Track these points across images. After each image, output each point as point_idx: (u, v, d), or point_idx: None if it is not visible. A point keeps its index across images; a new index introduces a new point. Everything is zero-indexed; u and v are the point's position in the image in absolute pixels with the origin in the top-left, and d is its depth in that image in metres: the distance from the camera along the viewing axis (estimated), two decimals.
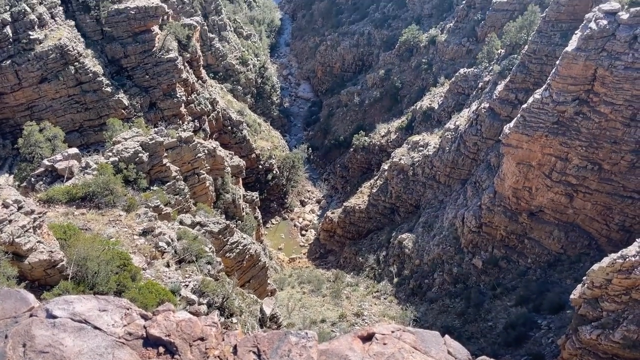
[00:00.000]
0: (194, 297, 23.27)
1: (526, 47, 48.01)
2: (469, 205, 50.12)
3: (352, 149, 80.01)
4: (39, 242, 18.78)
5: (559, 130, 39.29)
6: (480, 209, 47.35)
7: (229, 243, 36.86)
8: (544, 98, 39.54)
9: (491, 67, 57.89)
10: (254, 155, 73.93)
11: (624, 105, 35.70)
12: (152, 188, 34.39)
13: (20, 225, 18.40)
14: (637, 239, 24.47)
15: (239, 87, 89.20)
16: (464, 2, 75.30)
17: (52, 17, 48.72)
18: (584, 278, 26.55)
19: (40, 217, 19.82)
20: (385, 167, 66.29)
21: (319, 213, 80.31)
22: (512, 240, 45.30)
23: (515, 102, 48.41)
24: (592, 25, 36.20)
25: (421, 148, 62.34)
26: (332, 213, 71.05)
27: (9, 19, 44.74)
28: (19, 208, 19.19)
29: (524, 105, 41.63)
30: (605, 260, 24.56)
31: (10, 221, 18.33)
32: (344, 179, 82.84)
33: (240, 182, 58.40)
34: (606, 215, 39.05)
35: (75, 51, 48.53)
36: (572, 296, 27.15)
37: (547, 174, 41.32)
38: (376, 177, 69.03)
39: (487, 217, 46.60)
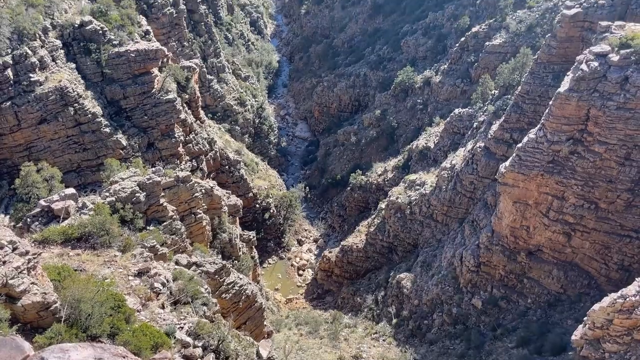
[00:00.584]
0: (189, 339, 22.78)
1: (519, 88, 48.86)
2: (467, 244, 49.90)
3: (349, 188, 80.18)
4: (32, 283, 18.52)
5: (555, 169, 39.54)
6: (479, 248, 47.12)
7: (225, 284, 36.42)
8: (538, 138, 39.96)
9: (485, 108, 58.74)
10: (251, 194, 73.94)
11: (617, 145, 36.07)
12: (148, 228, 34.20)
13: (14, 266, 18.18)
14: (636, 279, 24.30)
15: (236, 127, 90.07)
16: (457, 45, 77.04)
17: (54, 60, 49.51)
18: (585, 318, 26.21)
19: (34, 258, 19.62)
20: (383, 205, 66.28)
21: (316, 252, 79.74)
22: (512, 280, 44.89)
23: (510, 141, 48.88)
24: (584, 67, 36.97)
25: (418, 187, 62.51)
26: (330, 252, 70.55)
27: (10, 62, 45.42)
28: (14, 249, 19.02)
29: (519, 145, 42.03)
30: (606, 300, 24.30)
31: (4, 262, 18.12)
32: (342, 217, 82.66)
33: (237, 221, 58.17)
34: (605, 254, 38.87)
35: (75, 93, 49.12)
36: (573, 337, 26.73)
37: (544, 212, 41.34)
38: (373, 216, 68.92)
39: (485, 257, 46.33)
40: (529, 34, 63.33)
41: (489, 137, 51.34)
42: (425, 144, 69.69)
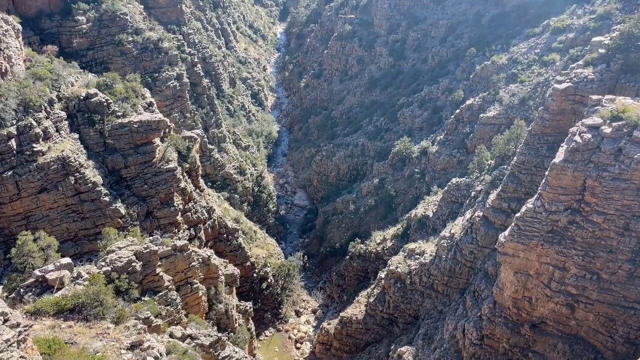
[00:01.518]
0: None
1: (515, 158, 49.59)
2: (468, 315, 48.76)
3: (348, 257, 79.39)
4: (21, 357, 17.93)
5: (554, 239, 39.37)
6: (481, 319, 46.01)
7: (220, 357, 35.23)
8: (536, 207, 40.08)
9: (482, 177, 59.33)
10: (248, 263, 73.09)
11: (615, 215, 36.13)
12: (143, 299, 33.55)
13: (4, 339, 17.68)
14: None
15: (236, 195, 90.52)
16: (452, 116, 79.00)
17: (57, 131, 50.47)
18: None
19: (25, 330, 19.11)
20: (382, 275, 65.35)
21: (314, 324, 77.71)
22: (516, 354, 43.48)
23: (508, 211, 48.99)
24: (577, 138, 37.71)
25: (418, 256, 61.93)
26: (328, 324, 68.75)
27: (15, 132, 46.27)
28: (5, 321, 18.57)
29: (518, 214, 42.07)
30: None
31: None
32: (340, 287, 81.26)
33: (234, 291, 57.13)
34: (609, 326, 37.92)
35: (77, 162, 49.70)
36: None
37: (546, 283, 40.73)
38: (373, 286, 67.76)
39: (488, 329, 45.13)
40: (522, 107, 65.09)
41: (487, 206, 51.50)
42: (424, 212, 69.76)
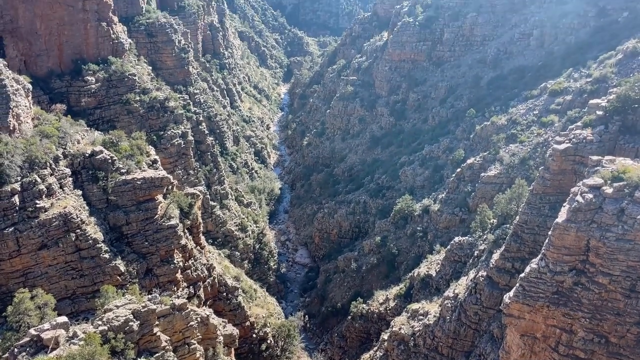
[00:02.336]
0: None
1: (517, 218, 49.48)
2: None
3: (350, 317, 77.68)
4: None
5: (560, 300, 38.63)
6: None
7: None
8: (540, 268, 39.59)
9: (485, 236, 58.97)
10: (248, 323, 71.47)
11: (621, 276, 35.61)
12: None
13: None
14: None
15: (236, 252, 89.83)
16: (453, 175, 79.52)
17: (61, 187, 50.80)
18: None
19: None
20: (385, 337, 63.69)
21: None
22: None
23: (512, 271, 48.37)
24: (579, 198, 37.77)
25: (421, 317, 60.59)
26: None
27: (19, 189, 46.56)
28: None
29: (522, 275, 41.49)
30: None
31: None
32: (342, 349, 79.01)
33: (232, 352, 55.59)
34: None
35: (79, 219, 49.70)
36: None
37: (554, 347, 39.59)
38: (376, 348, 65.90)
39: None
40: (522, 166, 65.62)
41: (491, 266, 50.89)
42: (427, 272, 68.87)
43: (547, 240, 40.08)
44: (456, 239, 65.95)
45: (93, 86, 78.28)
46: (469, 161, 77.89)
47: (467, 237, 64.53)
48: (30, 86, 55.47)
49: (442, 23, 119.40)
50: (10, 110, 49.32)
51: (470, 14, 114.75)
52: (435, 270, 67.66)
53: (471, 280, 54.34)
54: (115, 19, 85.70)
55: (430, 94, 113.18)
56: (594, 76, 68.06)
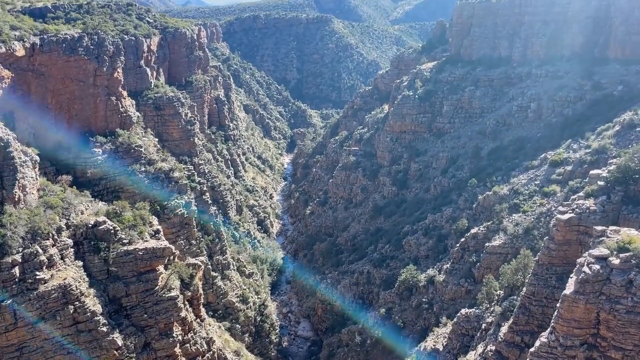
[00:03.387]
0: None
1: (524, 289, 48.55)
2: None
3: None
4: None
5: None
6: None
7: None
8: (551, 342, 38.36)
9: (492, 308, 57.59)
10: None
11: (634, 351, 34.42)
12: None
13: None
14: None
15: (237, 325, 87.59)
16: (458, 245, 78.83)
17: (62, 258, 50.52)
18: None
19: None
20: None
21: None
22: None
23: (522, 344, 46.85)
24: (586, 269, 37.21)
25: None
26: None
27: (19, 260, 46.28)
28: None
29: (532, 349, 40.13)
30: None
31: None
32: None
33: None
34: None
35: (78, 291, 49.02)
36: None
37: None
38: None
39: None
40: (527, 236, 65.16)
41: (499, 340, 49.33)
42: (434, 345, 66.64)
43: (556, 313, 39.11)
44: (463, 311, 64.37)
45: (100, 158, 79.63)
46: (472, 231, 77.47)
47: (473, 309, 63.00)
48: (37, 158, 56.47)
49: (441, 96, 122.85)
50: (17, 182, 49.92)
51: (469, 87, 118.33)
52: (443, 344, 65.50)
53: (480, 355, 52.51)
54: (125, 93, 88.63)
55: (431, 164, 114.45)
56: (593, 147, 69.04)
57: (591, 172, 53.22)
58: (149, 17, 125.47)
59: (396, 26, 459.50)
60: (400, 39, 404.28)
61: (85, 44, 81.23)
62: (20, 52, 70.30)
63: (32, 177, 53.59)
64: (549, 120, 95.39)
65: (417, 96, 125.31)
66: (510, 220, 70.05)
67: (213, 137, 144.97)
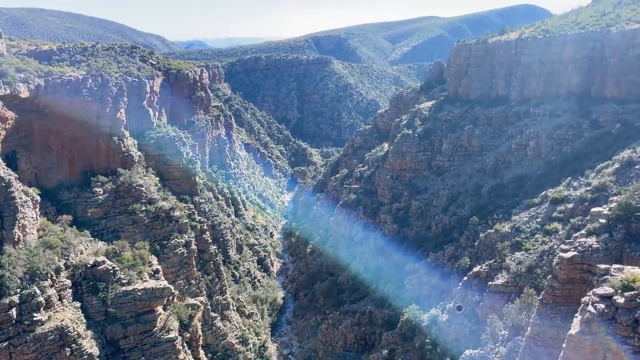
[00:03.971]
0: None
1: (529, 329, 47.66)
2: None
3: None
4: None
5: None
6: None
7: None
8: None
9: (497, 349, 56.42)
10: None
11: None
12: None
13: None
14: None
15: None
16: (460, 284, 77.91)
17: (60, 299, 49.93)
18: None
19: None
20: None
21: None
22: None
23: None
24: (591, 308, 36.62)
25: None
26: None
27: (17, 301, 45.73)
28: None
29: None
30: None
31: None
32: None
33: None
34: None
35: (75, 332, 48.24)
36: None
37: None
38: None
39: None
40: (530, 275, 64.46)
41: None
42: None
43: (562, 354, 38.29)
44: (467, 352, 63.04)
45: (100, 197, 79.73)
46: (475, 269, 76.70)
47: (478, 350, 61.71)
48: (38, 198, 56.59)
49: (440, 134, 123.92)
50: (17, 222, 49.85)
51: (467, 126, 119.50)
52: None
53: None
54: (127, 133, 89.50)
55: (432, 201, 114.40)
56: (593, 185, 69.10)
57: (592, 209, 53.08)
58: (152, 59, 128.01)
59: (395, 67, 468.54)
60: (399, 79, 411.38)
61: (89, 85, 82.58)
62: (24, 93, 71.39)
63: (32, 217, 53.54)
64: (548, 158, 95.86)
65: (416, 134, 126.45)
66: (512, 259, 69.45)
67: (214, 175, 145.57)
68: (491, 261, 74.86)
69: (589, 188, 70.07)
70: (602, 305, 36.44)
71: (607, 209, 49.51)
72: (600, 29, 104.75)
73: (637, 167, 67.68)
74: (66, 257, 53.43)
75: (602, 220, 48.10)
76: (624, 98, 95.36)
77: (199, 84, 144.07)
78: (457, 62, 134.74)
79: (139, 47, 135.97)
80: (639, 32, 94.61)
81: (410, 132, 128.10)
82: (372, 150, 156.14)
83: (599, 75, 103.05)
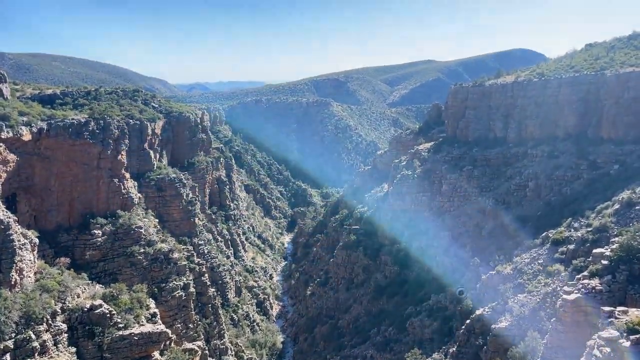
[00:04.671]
0: None
1: None
2: None
3: None
4: None
5: None
6: None
7: None
8: None
9: None
10: None
11: None
12: None
13: None
14: None
15: None
16: (463, 327, 76.53)
17: (55, 344, 48.94)
18: None
19: None
20: None
21: None
22: None
23: None
24: (597, 352, 35.91)
25: None
26: None
27: (11, 346, 44.82)
28: None
29: None
30: None
31: None
32: None
33: None
34: None
35: None
36: None
37: None
38: None
39: None
40: (533, 317, 63.36)
41: None
42: None
43: None
44: None
45: (99, 239, 79.36)
46: (477, 312, 75.44)
47: None
48: (37, 240, 56.29)
49: (440, 175, 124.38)
50: (15, 265, 49.42)
51: (466, 167, 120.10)
52: None
53: None
54: (127, 175, 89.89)
55: (432, 243, 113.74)
56: (594, 225, 68.84)
57: (594, 251, 52.76)
58: (154, 102, 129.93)
59: (393, 109, 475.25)
60: (398, 121, 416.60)
61: (91, 128, 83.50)
62: (26, 136, 72.12)
63: (30, 260, 53.11)
64: (548, 199, 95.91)
65: (416, 175, 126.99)
66: (515, 301, 68.45)
67: (213, 217, 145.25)
68: (494, 303, 73.76)
69: (590, 229, 69.80)
70: (607, 349, 35.76)
71: (609, 250, 49.24)
72: (595, 72, 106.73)
73: (637, 207, 67.68)
74: (63, 301, 52.66)
75: (605, 262, 47.77)
76: (621, 139, 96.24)
77: (200, 126, 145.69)
78: (455, 104, 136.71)
79: (142, 91, 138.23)
80: (634, 75, 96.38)
81: (410, 172, 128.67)
82: (372, 191, 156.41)
83: (595, 116, 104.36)
